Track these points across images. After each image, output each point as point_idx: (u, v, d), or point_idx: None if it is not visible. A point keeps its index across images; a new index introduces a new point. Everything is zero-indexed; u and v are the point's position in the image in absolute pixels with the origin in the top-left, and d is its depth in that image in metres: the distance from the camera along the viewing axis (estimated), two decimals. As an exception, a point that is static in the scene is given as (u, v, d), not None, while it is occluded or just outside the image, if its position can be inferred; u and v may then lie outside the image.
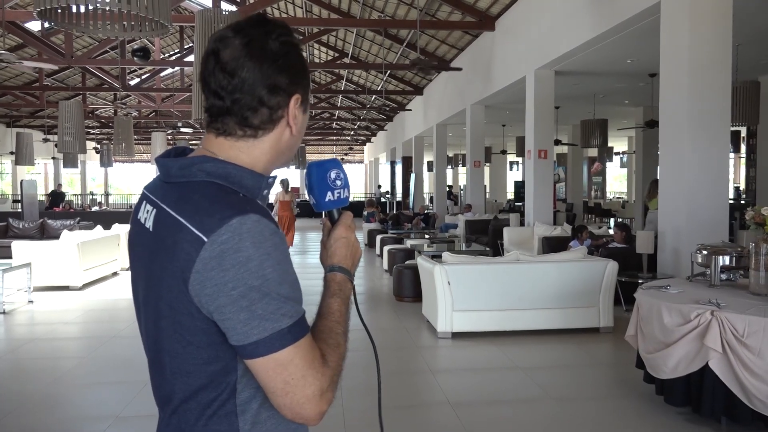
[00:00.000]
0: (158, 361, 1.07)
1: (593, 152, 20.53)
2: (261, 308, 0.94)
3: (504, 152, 22.26)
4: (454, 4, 11.06)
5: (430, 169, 24.79)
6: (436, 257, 6.55)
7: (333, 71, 19.88)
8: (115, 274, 10.19)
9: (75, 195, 29.24)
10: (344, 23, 13.26)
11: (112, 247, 10.04)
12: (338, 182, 1.18)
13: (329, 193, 1.18)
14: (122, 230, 10.60)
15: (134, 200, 28.80)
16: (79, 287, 8.80)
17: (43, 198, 22.29)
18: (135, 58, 11.81)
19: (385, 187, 28.37)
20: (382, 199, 26.77)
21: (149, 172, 33.27)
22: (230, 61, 1.03)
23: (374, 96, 19.18)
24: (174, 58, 17.00)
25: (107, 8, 3.69)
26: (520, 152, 16.87)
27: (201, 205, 0.98)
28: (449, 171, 26.81)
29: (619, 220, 18.33)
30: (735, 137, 13.46)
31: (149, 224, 1.06)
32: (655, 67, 7.56)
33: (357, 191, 34.88)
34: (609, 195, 27.04)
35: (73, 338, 6.43)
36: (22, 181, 16.34)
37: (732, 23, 5.63)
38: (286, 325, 0.95)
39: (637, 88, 11.69)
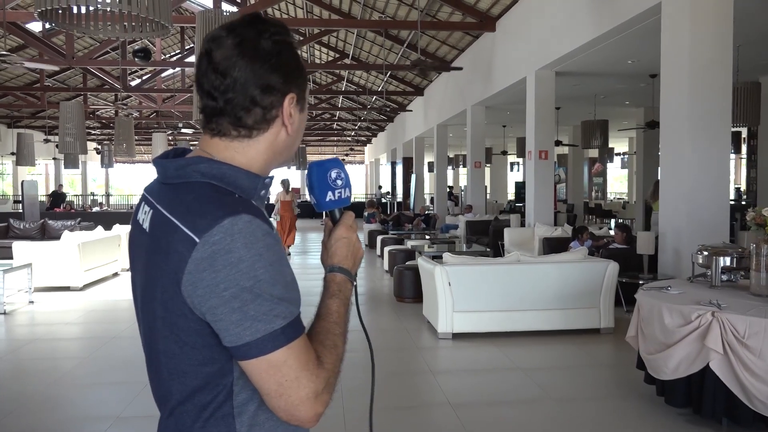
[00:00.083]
0: (155, 361, 1.07)
1: (594, 153, 20.51)
2: (253, 309, 0.93)
3: (505, 153, 22.23)
4: (454, 5, 11.06)
5: (430, 170, 24.80)
6: (437, 258, 6.55)
7: (333, 72, 19.88)
8: (115, 274, 10.19)
9: (76, 195, 29.30)
10: (345, 24, 13.26)
11: (112, 248, 10.03)
12: (339, 182, 1.17)
13: (330, 193, 1.16)
14: (123, 231, 10.60)
15: (135, 201, 28.85)
16: (79, 288, 8.80)
17: (44, 198, 22.33)
18: (136, 59, 11.81)
19: (386, 187, 28.35)
20: (383, 200, 26.77)
21: (150, 172, 32.91)
22: (222, 61, 1.03)
23: (375, 97, 19.18)
24: (175, 58, 17.04)
25: (108, 9, 3.70)
26: (521, 153, 16.84)
27: (194, 205, 0.98)
28: (450, 172, 26.81)
29: (620, 220, 18.32)
30: (736, 138, 13.44)
31: (146, 225, 1.06)
32: (656, 68, 7.58)
33: (358, 192, 34.89)
34: (610, 196, 27.00)
35: (73, 339, 6.43)
36: (23, 181, 16.32)
37: (733, 24, 5.63)
38: (279, 326, 0.95)
39: (638, 88, 11.68)
